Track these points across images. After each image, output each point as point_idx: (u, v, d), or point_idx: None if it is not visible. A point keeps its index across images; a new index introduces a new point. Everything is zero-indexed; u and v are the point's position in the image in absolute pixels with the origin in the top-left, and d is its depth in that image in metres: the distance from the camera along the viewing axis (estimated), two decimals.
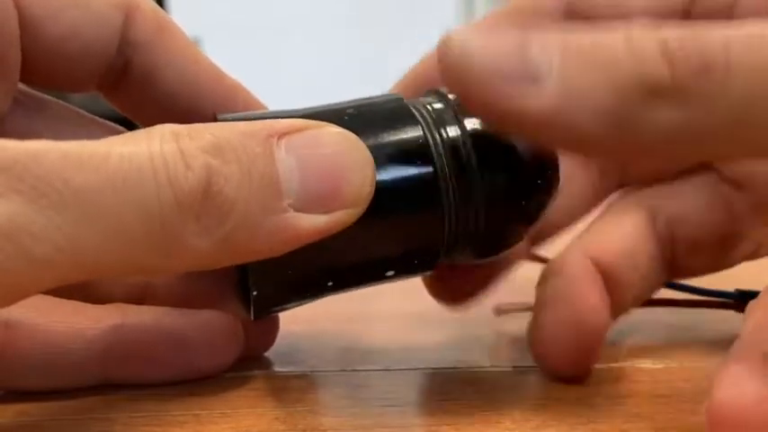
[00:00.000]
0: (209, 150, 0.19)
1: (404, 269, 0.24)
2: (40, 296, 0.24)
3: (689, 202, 0.28)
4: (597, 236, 0.27)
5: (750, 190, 0.28)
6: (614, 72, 0.19)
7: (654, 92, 0.19)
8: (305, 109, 0.24)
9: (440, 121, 0.23)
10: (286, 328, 0.27)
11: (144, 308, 0.25)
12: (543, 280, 0.26)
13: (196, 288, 0.26)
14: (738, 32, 0.19)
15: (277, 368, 0.26)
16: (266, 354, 0.27)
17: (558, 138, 0.20)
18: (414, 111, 0.23)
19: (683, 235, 0.28)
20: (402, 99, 0.24)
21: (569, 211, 0.28)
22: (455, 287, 0.27)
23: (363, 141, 0.21)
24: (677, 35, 0.19)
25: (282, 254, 0.20)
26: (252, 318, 0.24)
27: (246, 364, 0.26)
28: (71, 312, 0.24)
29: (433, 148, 0.23)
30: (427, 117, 0.23)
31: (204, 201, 0.19)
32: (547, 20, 0.26)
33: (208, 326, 0.25)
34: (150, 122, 0.21)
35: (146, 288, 0.26)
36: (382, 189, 0.21)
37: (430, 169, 0.23)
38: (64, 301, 0.24)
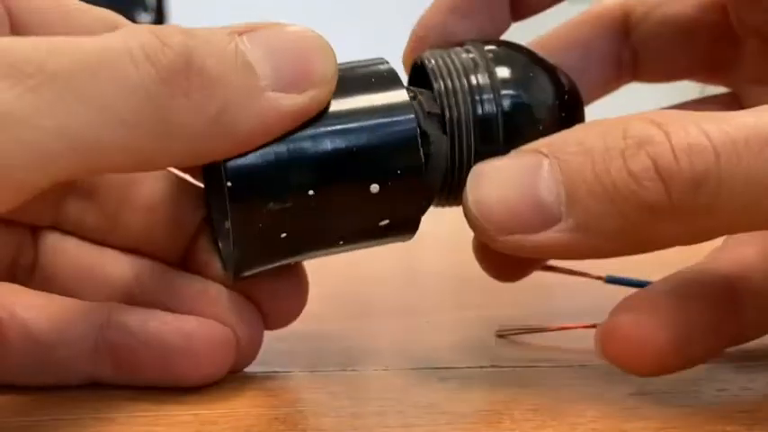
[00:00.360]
0: (183, 32, 0.20)
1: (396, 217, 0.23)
2: (30, 292, 0.24)
3: None
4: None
5: None
6: (619, 203, 0.20)
7: (656, 212, 0.20)
8: None
9: (467, 70, 0.24)
10: (287, 327, 0.27)
11: (132, 309, 0.24)
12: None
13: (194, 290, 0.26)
14: (726, 139, 0.20)
15: (277, 368, 0.26)
16: (266, 354, 0.27)
17: (574, 256, 0.23)
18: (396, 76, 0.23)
19: None
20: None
21: None
22: (506, 260, 0.27)
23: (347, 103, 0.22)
24: (668, 150, 0.20)
25: (270, 138, 0.21)
26: (231, 278, 0.24)
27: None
28: (59, 310, 0.24)
29: (417, 107, 0.23)
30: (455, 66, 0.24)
31: (189, 76, 0.20)
32: (493, 6, 0.28)
33: (194, 335, 0.24)
34: None
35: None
36: (368, 150, 0.22)
37: (414, 129, 0.22)
38: (52, 296, 0.24)
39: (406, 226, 0.23)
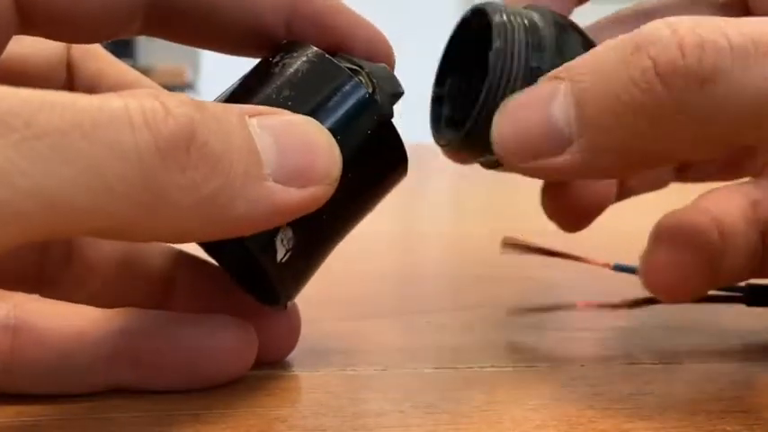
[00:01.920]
0: (191, 104, 0.19)
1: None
2: (44, 300, 0.24)
3: None
4: (712, 201, 0.27)
5: None
6: (621, 114, 0.20)
7: (656, 118, 0.20)
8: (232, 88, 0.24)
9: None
10: None
11: (150, 312, 0.24)
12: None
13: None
14: (742, 39, 0.19)
15: (277, 368, 0.26)
16: None
17: (595, 177, 0.24)
18: (339, 63, 0.24)
19: None
20: (324, 55, 0.24)
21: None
22: (570, 206, 0.28)
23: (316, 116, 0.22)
24: (673, 46, 0.20)
25: (260, 230, 0.20)
26: (284, 307, 0.24)
27: None
28: (76, 316, 0.23)
29: (377, 93, 0.24)
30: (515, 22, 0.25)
31: (190, 151, 0.18)
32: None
33: (217, 333, 0.24)
34: None
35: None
36: (350, 147, 0.22)
37: (380, 113, 0.23)
38: (68, 304, 0.24)
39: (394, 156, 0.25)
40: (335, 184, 0.21)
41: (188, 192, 0.18)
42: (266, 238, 0.22)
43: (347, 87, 0.23)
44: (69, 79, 0.27)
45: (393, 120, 0.24)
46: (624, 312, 0.32)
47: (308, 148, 0.21)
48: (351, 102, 0.23)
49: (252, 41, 0.25)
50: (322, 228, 0.23)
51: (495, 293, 0.34)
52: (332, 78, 0.23)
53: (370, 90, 0.24)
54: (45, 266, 0.25)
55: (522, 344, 0.28)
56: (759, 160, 0.32)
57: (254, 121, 0.20)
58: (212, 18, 0.24)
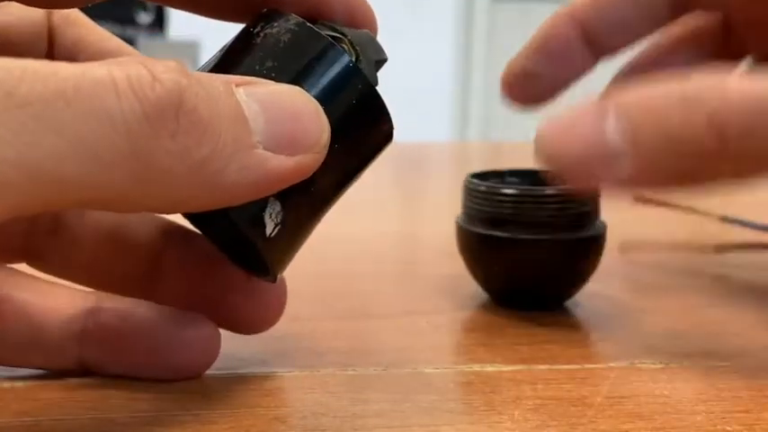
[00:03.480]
0: (178, 70, 0.19)
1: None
2: (25, 275, 0.25)
3: None
4: None
5: None
6: (676, 144, 0.23)
7: (711, 157, 0.22)
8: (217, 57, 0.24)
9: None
10: (286, 327, 0.27)
11: (126, 299, 0.25)
12: None
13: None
14: None
15: (277, 368, 0.26)
16: (266, 354, 0.27)
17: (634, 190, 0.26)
18: (321, 32, 0.23)
19: None
20: (305, 24, 0.23)
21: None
22: (527, 90, 0.29)
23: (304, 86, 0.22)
24: (723, 101, 0.22)
25: (252, 198, 0.20)
26: (273, 280, 0.24)
27: (246, 364, 0.26)
28: (52, 293, 0.24)
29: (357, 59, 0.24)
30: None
31: (178, 116, 0.18)
32: (567, 47, 0.32)
33: (184, 328, 0.24)
34: None
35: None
36: (335, 116, 0.22)
37: (365, 84, 0.23)
38: (41, 280, 0.25)
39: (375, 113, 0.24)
40: (325, 152, 0.21)
41: (179, 158, 0.18)
42: (255, 213, 0.22)
43: (330, 56, 0.23)
44: (50, 47, 0.27)
45: (377, 87, 0.24)
46: (625, 313, 0.32)
47: (296, 116, 0.21)
48: (334, 70, 0.23)
49: (230, 4, 0.25)
50: (310, 199, 0.23)
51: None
52: (314, 47, 0.23)
53: (354, 58, 0.23)
54: (32, 237, 0.25)
55: (521, 344, 0.28)
56: None
57: (240, 89, 0.20)
58: None
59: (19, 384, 0.24)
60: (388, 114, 0.24)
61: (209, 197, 0.19)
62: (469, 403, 0.23)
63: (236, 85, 0.20)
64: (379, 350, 0.27)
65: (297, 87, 0.21)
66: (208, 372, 0.25)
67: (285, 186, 0.21)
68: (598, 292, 0.33)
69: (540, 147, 0.24)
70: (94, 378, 0.24)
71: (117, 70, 0.18)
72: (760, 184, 0.24)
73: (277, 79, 0.22)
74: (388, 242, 0.43)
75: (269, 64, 0.22)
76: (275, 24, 0.23)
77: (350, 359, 0.27)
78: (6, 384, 0.24)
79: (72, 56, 0.26)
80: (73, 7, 0.25)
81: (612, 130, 0.23)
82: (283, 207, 0.22)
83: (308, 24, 0.23)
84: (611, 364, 0.26)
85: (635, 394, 0.24)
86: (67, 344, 0.24)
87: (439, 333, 0.30)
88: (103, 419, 0.22)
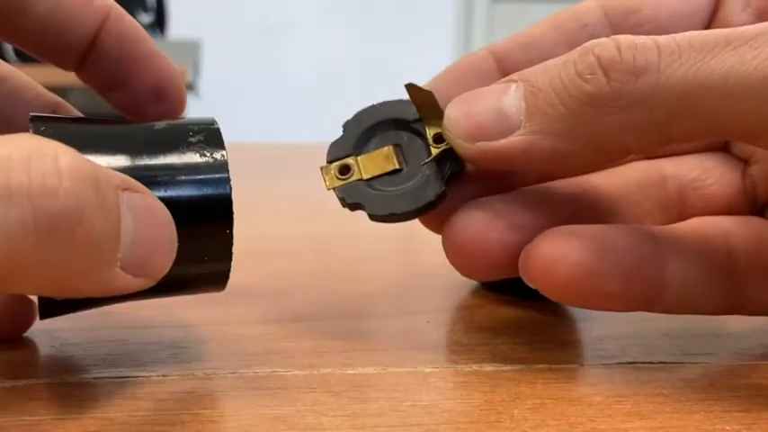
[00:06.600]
0: (81, 178, 0.19)
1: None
2: None
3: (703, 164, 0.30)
4: None
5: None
6: (568, 102, 0.23)
7: (598, 102, 0.23)
8: (118, 128, 0.25)
9: None
10: (286, 327, 0.27)
11: None
12: None
13: None
14: (671, 41, 0.23)
15: (277, 368, 0.26)
16: (266, 353, 0.27)
17: (537, 161, 0.24)
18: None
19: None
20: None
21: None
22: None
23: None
24: (613, 47, 0.23)
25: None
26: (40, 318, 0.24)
27: (246, 363, 0.26)
28: None
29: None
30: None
31: (74, 234, 0.19)
32: (485, 78, 0.29)
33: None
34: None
35: None
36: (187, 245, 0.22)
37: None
38: None
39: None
40: (158, 279, 0.22)
41: (52, 269, 0.19)
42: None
43: (216, 193, 0.24)
44: None
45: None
46: (624, 312, 0.32)
47: (156, 244, 0.21)
48: (210, 206, 0.24)
49: (57, 47, 0.26)
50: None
51: (495, 293, 0.34)
52: (207, 181, 0.24)
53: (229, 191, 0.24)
54: None
55: (521, 343, 0.28)
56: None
57: (124, 196, 0.20)
58: (22, 15, 0.25)
59: (19, 384, 0.24)
60: (230, 255, 0.24)
61: (57, 292, 0.21)
62: (469, 403, 0.24)
63: (123, 190, 0.20)
64: (379, 350, 0.27)
65: (166, 210, 0.22)
66: (208, 371, 0.25)
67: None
68: None
69: (445, 116, 0.25)
70: (95, 378, 0.24)
71: (14, 159, 0.18)
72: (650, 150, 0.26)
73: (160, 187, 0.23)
74: (388, 242, 0.43)
75: (156, 167, 0.23)
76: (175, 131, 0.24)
77: (350, 359, 0.27)
78: (7, 384, 0.24)
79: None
80: None
81: (510, 97, 0.24)
82: None
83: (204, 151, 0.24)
84: (611, 364, 0.26)
85: (634, 393, 0.24)
86: None
87: (439, 332, 0.30)
88: (104, 419, 0.22)
